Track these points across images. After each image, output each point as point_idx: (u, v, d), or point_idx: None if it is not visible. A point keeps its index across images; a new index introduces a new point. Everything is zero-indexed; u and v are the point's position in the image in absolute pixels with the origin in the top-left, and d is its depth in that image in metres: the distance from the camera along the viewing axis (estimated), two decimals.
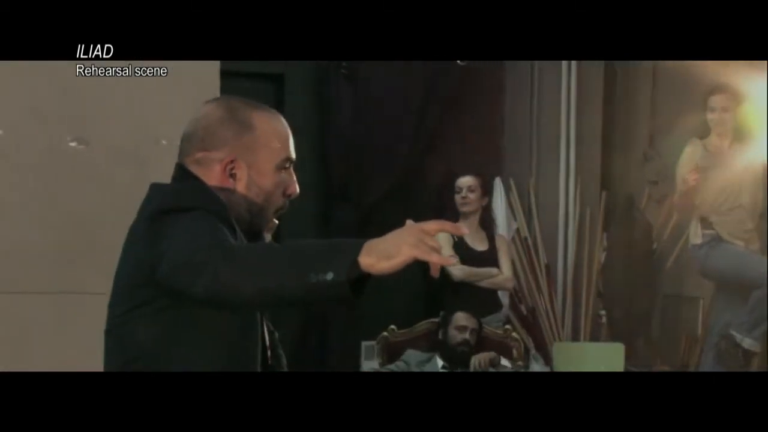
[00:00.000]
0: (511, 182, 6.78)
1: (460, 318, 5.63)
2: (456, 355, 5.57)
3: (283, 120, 2.57)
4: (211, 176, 2.44)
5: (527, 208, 6.82)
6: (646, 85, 6.77)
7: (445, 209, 6.16)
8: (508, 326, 5.96)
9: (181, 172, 2.46)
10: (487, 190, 6.23)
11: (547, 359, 6.37)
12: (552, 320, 6.68)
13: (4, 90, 3.52)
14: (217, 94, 3.80)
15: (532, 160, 6.85)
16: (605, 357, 5.82)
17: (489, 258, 6.08)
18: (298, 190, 2.56)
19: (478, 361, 5.56)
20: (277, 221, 2.56)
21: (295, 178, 2.55)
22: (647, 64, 6.71)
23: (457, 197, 6.10)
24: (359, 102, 6.33)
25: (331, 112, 6.37)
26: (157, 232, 2.28)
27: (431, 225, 2.21)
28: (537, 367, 6.26)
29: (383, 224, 7.14)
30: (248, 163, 2.46)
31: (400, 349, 5.76)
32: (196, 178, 2.44)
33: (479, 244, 6.11)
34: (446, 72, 6.45)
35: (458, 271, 5.95)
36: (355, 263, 2.12)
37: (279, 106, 6.28)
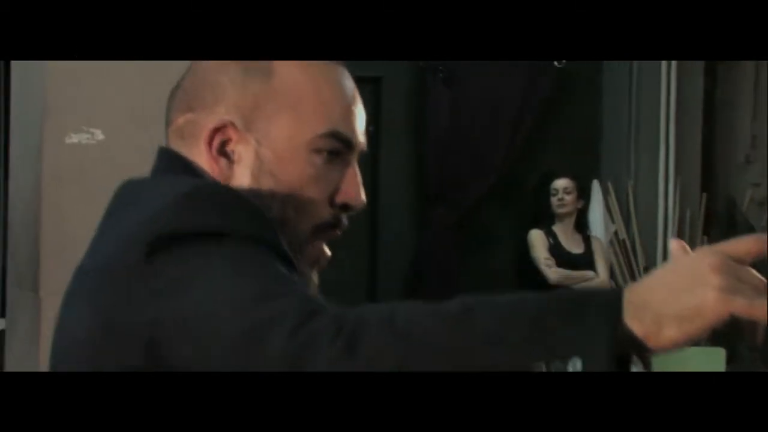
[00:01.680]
0: (609, 185, 6.72)
1: None
2: None
3: (340, 72, 1.43)
4: (196, 154, 1.40)
5: (625, 211, 6.75)
6: (747, 85, 6.66)
7: (542, 213, 6.13)
8: None
9: (171, 161, 1.43)
10: (583, 193, 6.18)
11: (646, 364, 6.29)
12: None
13: (103, 93, 3.58)
14: None
15: (631, 162, 6.78)
16: (706, 361, 5.73)
17: (585, 261, 6.03)
18: (362, 199, 1.43)
19: None
20: (328, 252, 1.47)
21: (359, 179, 1.43)
22: (749, 64, 6.61)
23: (553, 199, 6.07)
24: (456, 104, 6.33)
25: (428, 115, 6.38)
26: (158, 278, 1.24)
27: (743, 245, 1.22)
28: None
29: (480, 226, 7.15)
30: (256, 134, 1.38)
31: None
32: (200, 174, 1.39)
33: (575, 247, 6.07)
34: (543, 73, 6.41)
35: (554, 274, 5.92)
36: (614, 339, 1.18)
37: (376, 109, 6.31)
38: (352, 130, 1.42)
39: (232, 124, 1.38)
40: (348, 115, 1.41)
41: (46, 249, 3.53)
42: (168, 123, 1.47)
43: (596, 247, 6.12)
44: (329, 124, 1.39)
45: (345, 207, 1.42)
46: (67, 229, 3.54)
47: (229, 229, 1.25)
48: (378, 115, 6.35)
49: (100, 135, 3.61)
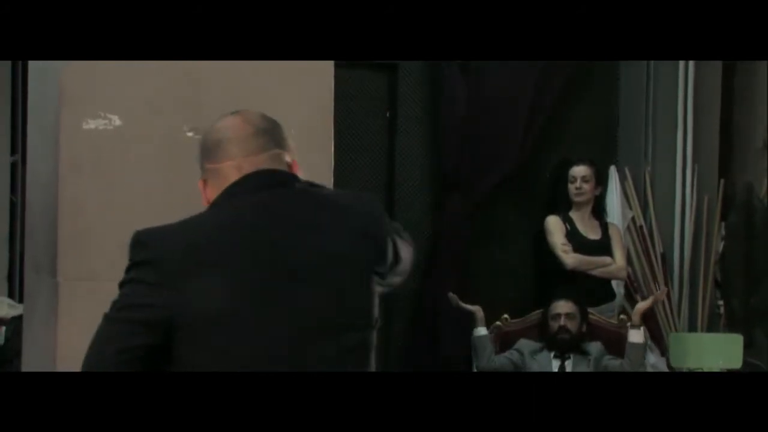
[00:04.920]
0: (627, 171, 6.70)
1: (555, 306, 5.62)
2: (557, 343, 5.56)
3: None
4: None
5: (643, 197, 6.73)
6: (765, 71, 6.63)
7: (559, 199, 6.12)
8: (623, 316, 5.89)
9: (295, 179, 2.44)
10: (600, 179, 6.17)
11: (663, 350, 6.29)
12: (668, 311, 6.59)
13: (120, 80, 3.59)
14: (332, 84, 3.83)
15: (648, 148, 6.76)
16: (723, 348, 5.72)
17: (602, 247, 6.03)
18: None
19: None
20: None
21: None
22: None
23: (571, 187, 6.06)
24: (472, 92, 6.32)
25: (444, 103, 6.37)
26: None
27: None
28: (653, 358, 6.19)
29: (496, 214, 7.13)
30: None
31: (513, 339, 5.74)
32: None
33: (592, 233, 6.06)
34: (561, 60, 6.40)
35: (571, 259, 5.91)
36: None
37: (392, 96, 6.30)
38: None
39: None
40: None
41: (64, 235, 3.54)
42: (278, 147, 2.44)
43: (613, 233, 6.11)
44: None
45: None
46: (85, 215, 3.56)
47: None
48: (394, 103, 6.35)
49: (117, 121, 3.63)
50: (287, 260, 2.29)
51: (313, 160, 4.47)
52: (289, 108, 3.76)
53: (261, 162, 2.38)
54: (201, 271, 2.25)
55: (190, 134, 3.75)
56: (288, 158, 2.42)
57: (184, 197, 4.10)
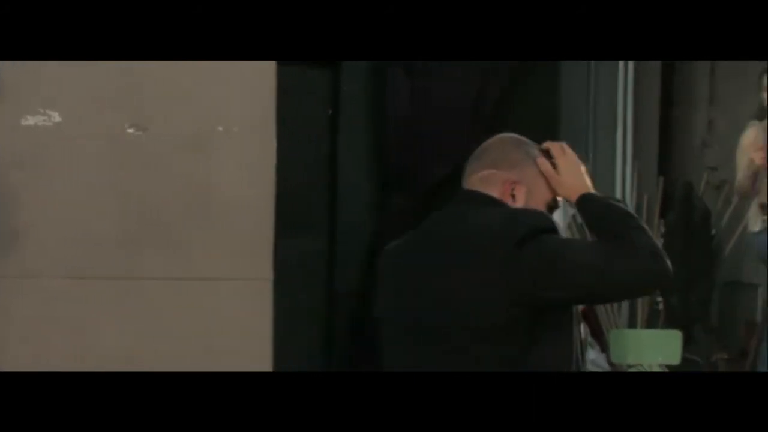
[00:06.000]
0: None
1: None
2: None
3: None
4: (494, 191, 2.61)
5: None
6: (704, 69, 6.70)
7: None
8: None
9: (478, 196, 2.63)
10: None
11: (603, 346, 6.33)
12: (608, 308, 6.64)
13: (63, 77, 3.56)
14: (274, 80, 3.82)
15: (589, 146, 6.81)
16: (662, 344, 5.78)
17: None
18: None
19: None
20: None
21: None
22: None
23: None
24: (416, 90, 6.33)
25: (387, 101, 6.37)
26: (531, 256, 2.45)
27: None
28: (593, 354, 6.23)
29: (441, 209, 7.07)
30: (528, 188, 2.60)
31: None
32: (502, 204, 2.60)
33: None
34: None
35: None
36: None
37: (335, 93, 6.29)
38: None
39: (517, 181, 2.61)
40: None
41: (3, 232, 3.50)
42: (470, 172, 2.74)
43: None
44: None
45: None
46: (24, 212, 3.52)
47: (552, 226, 2.54)
48: (337, 101, 6.34)
49: (57, 117, 3.60)
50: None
51: (254, 159, 4.46)
52: (231, 106, 3.75)
53: (467, 183, 2.73)
54: None
55: (131, 131, 3.73)
56: (504, 177, 2.63)
57: (125, 193, 4.08)
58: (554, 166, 2.65)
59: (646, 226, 2.57)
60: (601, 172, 6.78)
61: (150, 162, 4.09)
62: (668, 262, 2.49)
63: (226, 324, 4.49)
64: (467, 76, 6.36)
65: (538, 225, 2.52)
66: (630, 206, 6.75)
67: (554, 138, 6.74)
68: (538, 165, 2.63)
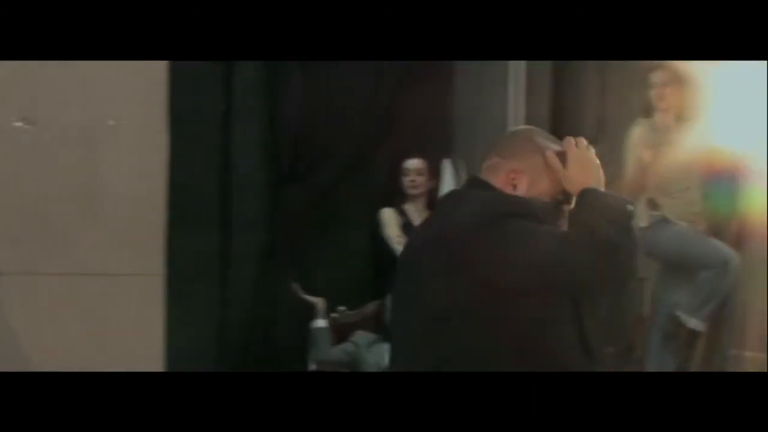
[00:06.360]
0: (461, 164, 6.79)
1: None
2: None
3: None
4: (497, 179, 2.62)
5: None
6: (594, 65, 6.79)
7: (394, 191, 6.17)
8: None
9: (482, 183, 2.64)
10: (435, 173, 6.25)
11: None
12: None
13: None
14: (165, 75, 3.79)
15: (481, 142, 6.86)
16: None
17: None
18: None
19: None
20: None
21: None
22: None
23: (406, 180, 6.12)
24: (310, 83, 6.32)
25: (281, 93, 6.35)
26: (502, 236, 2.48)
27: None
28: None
29: (334, 206, 7.11)
30: (528, 176, 2.62)
31: (350, 331, 5.76)
32: (498, 190, 2.61)
33: None
34: None
35: None
36: None
37: (229, 86, 6.25)
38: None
39: (519, 170, 2.63)
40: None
41: None
42: (484, 160, 2.66)
43: None
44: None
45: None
46: None
47: (525, 211, 2.52)
48: (230, 96, 6.29)
49: None
50: None
51: (146, 153, 4.42)
52: (123, 101, 3.71)
53: (480, 171, 2.72)
54: None
55: (18, 124, 3.67)
56: (509, 166, 2.64)
57: (11, 187, 4.01)
58: (564, 160, 2.64)
59: (634, 229, 2.58)
60: None
61: (39, 156, 4.02)
62: (633, 264, 2.53)
63: (116, 321, 4.44)
64: (360, 74, 6.36)
65: (505, 210, 2.52)
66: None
67: (446, 135, 6.77)
68: (546, 157, 2.63)
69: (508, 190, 2.61)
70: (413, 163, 6.13)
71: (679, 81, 5.73)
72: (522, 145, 2.67)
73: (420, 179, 6.12)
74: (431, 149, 6.46)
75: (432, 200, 6.21)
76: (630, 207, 2.61)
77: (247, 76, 6.35)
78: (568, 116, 6.96)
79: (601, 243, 2.46)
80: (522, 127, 2.82)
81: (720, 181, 5.74)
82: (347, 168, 6.47)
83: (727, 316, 5.86)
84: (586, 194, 2.59)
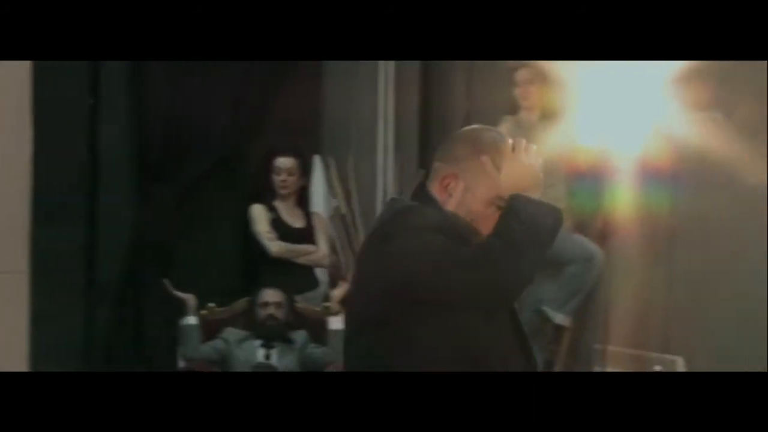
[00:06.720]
0: (330, 161, 6.81)
1: (264, 294, 5.70)
2: (266, 331, 5.62)
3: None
4: (434, 184, 2.61)
5: (346, 187, 6.86)
6: (463, 63, 6.86)
7: (264, 188, 6.15)
8: (327, 304, 5.99)
9: (423, 190, 2.63)
10: (305, 170, 6.26)
11: None
12: None
13: None
14: (29, 69, 3.71)
15: (351, 140, 6.89)
16: None
17: (306, 235, 6.12)
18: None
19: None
20: None
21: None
22: None
23: (276, 179, 6.12)
24: (177, 78, 6.26)
25: (148, 92, 6.28)
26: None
27: None
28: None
29: (201, 202, 7.06)
30: (465, 183, 2.57)
31: (219, 327, 5.74)
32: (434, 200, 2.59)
33: (296, 221, 6.14)
34: None
35: (275, 247, 5.98)
36: None
37: (95, 80, 6.15)
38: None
39: (454, 175, 2.60)
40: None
41: None
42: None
43: (317, 222, 6.22)
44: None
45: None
46: None
47: (434, 223, 2.50)
48: (97, 91, 6.20)
49: None
50: None
51: (10, 151, 4.33)
52: None
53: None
54: None
55: None
56: (445, 171, 2.61)
57: None
58: (498, 164, 2.57)
59: (547, 242, 2.54)
60: (363, 164, 6.88)
61: None
62: (525, 277, 2.48)
63: None
64: (228, 72, 6.32)
65: (411, 222, 2.49)
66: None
67: (317, 135, 6.78)
68: (481, 162, 2.56)
69: (443, 197, 2.57)
70: (284, 162, 6.12)
71: (543, 79, 5.83)
72: (460, 149, 2.62)
73: (291, 179, 6.13)
74: (302, 146, 6.46)
75: (301, 198, 6.22)
76: (558, 216, 2.57)
77: (113, 70, 6.26)
78: (436, 114, 7.03)
79: (512, 253, 2.44)
80: (468, 128, 2.70)
81: (584, 178, 5.85)
82: (216, 164, 6.43)
83: (592, 312, 5.98)
84: (512, 201, 2.54)
